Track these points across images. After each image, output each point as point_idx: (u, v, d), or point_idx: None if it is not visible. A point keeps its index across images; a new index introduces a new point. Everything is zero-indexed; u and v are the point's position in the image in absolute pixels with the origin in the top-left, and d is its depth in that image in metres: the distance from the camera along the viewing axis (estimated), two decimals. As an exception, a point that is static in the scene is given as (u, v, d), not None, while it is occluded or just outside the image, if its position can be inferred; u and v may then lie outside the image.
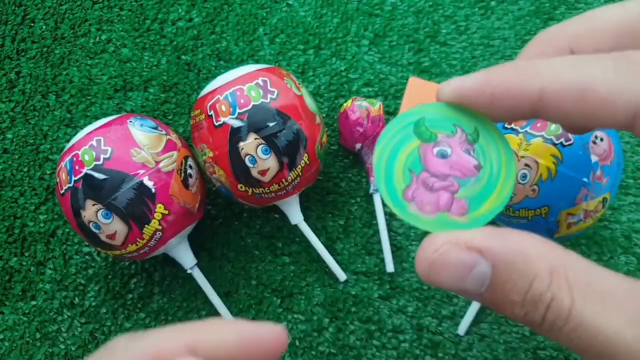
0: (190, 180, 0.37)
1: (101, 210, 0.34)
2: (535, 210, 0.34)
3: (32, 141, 0.46)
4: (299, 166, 0.37)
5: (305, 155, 0.37)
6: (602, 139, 0.33)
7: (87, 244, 0.44)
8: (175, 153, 0.37)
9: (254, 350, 0.16)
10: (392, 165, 0.17)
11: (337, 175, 0.44)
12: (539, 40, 0.18)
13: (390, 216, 0.42)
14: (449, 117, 0.17)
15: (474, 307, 0.39)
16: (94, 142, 0.35)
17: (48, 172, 0.46)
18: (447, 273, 0.15)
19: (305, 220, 0.41)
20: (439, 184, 0.17)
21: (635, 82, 0.15)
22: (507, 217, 0.36)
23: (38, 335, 0.42)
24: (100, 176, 0.34)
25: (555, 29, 0.18)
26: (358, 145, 0.41)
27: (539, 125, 0.33)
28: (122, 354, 0.16)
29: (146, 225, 0.35)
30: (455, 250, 0.15)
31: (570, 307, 0.14)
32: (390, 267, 0.41)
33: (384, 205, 0.42)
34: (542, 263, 0.15)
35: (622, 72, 0.15)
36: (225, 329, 0.17)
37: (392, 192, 0.17)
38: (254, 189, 0.37)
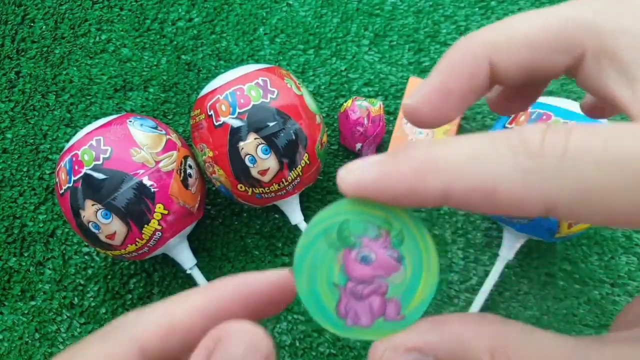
0: (190, 180, 0.37)
1: (100, 210, 0.34)
2: (536, 210, 0.33)
3: (31, 141, 0.46)
4: (299, 166, 0.37)
5: (305, 155, 0.37)
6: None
7: (86, 244, 0.44)
8: (175, 153, 0.37)
9: (264, 300, 0.17)
10: (315, 284, 0.16)
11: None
12: (457, 49, 0.18)
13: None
14: (362, 214, 0.16)
15: (475, 307, 0.39)
16: (93, 142, 0.35)
17: (47, 172, 0.45)
18: None
19: (305, 220, 0.40)
20: (368, 290, 0.16)
21: (541, 181, 0.14)
22: (508, 218, 0.36)
23: (37, 336, 0.42)
24: (100, 176, 0.34)
25: (475, 37, 0.17)
26: (358, 145, 0.41)
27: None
28: (132, 329, 0.16)
29: (146, 225, 0.35)
30: (396, 356, 0.16)
31: None
32: (390, 267, 0.41)
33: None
34: (482, 344, 0.15)
35: (527, 170, 0.14)
36: (231, 287, 0.17)
37: (325, 313, 0.16)
38: (254, 189, 0.37)
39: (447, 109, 0.17)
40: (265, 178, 0.36)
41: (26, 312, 0.43)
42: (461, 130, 0.43)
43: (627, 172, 0.13)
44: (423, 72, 0.45)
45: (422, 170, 0.15)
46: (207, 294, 0.17)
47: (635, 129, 0.14)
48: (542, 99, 0.35)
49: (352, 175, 0.16)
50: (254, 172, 0.36)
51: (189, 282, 0.42)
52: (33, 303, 0.43)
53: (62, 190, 0.35)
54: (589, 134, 0.14)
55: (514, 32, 0.17)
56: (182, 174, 0.36)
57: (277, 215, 0.43)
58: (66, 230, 0.44)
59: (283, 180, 0.37)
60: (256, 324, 0.16)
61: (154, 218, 0.35)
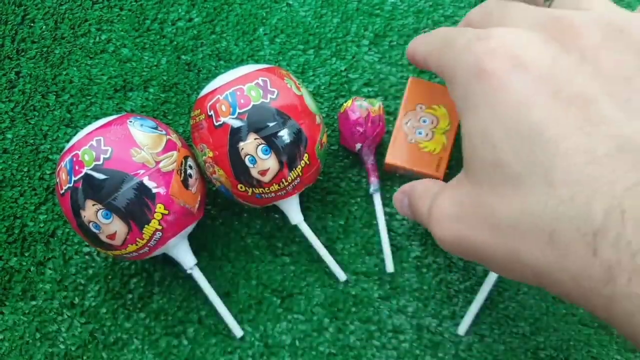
0: (190, 181, 0.37)
1: (101, 211, 0.34)
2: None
3: (32, 141, 0.46)
4: (299, 166, 0.37)
5: (305, 155, 0.37)
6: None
7: (87, 244, 0.44)
8: (175, 153, 0.37)
9: None
10: None
11: (337, 175, 0.44)
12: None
13: (390, 217, 0.42)
14: None
15: (475, 307, 0.39)
16: (93, 142, 0.35)
17: (48, 172, 0.46)
18: (396, 205, 0.33)
19: (305, 220, 0.41)
20: None
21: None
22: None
23: (38, 336, 0.42)
24: (100, 176, 0.34)
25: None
26: (358, 145, 0.41)
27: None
28: None
29: (146, 226, 0.35)
30: (397, 194, 0.33)
31: (430, 208, 0.26)
32: (390, 267, 0.41)
33: (384, 205, 0.42)
34: (424, 193, 0.28)
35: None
36: None
37: None
38: (254, 189, 0.37)
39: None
40: (265, 178, 0.36)
41: (27, 312, 0.43)
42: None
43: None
44: (423, 72, 0.45)
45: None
46: None
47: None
48: None
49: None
50: (254, 173, 0.36)
51: (189, 282, 0.42)
52: (34, 303, 0.43)
53: (63, 191, 0.35)
54: None
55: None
56: (183, 174, 0.36)
57: (277, 215, 0.43)
58: (67, 230, 0.44)
59: (283, 180, 0.37)
60: None
61: (154, 218, 0.35)
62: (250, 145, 0.35)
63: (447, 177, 0.38)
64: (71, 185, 0.35)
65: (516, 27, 0.22)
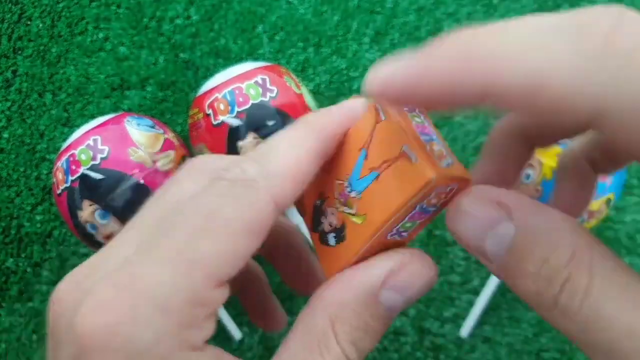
0: (189, 180, 0.37)
1: (98, 210, 0.34)
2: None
3: (28, 141, 0.46)
4: (299, 166, 0.36)
5: (305, 154, 0.36)
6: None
7: (84, 245, 0.43)
8: (172, 152, 0.36)
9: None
10: None
11: (338, 175, 0.43)
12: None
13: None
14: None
15: (477, 309, 0.39)
16: (90, 142, 0.34)
17: (45, 172, 0.45)
18: (470, 224, 0.15)
19: (305, 220, 0.40)
20: None
21: (598, 81, 0.12)
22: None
23: (35, 337, 0.42)
24: (97, 176, 0.34)
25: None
26: (359, 145, 0.41)
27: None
28: (265, 185, 0.15)
29: (143, 226, 0.35)
30: (484, 203, 0.14)
31: (587, 290, 0.13)
32: (391, 268, 0.40)
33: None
34: (567, 239, 0.13)
35: (584, 67, 0.12)
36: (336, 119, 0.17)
37: None
38: (253, 189, 0.36)
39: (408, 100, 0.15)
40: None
41: (23, 313, 0.42)
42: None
43: None
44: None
45: (462, 60, 0.13)
46: (317, 135, 0.16)
47: None
48: None
49: (380, 73, 0.14)
50: (253, 172, 0.35)
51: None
52: (30, 304, 0.43)
53: (60, 191, 0.35)
54: None
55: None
56: (180, 174, 0.36)
57: (276, 216, 0.43)
58: (63, 231, 0.44)
59: (282, 180, 0.36)
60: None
61: (151, 219, 0.35)
62: (249, 144, 0.35)
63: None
64: (68, 185, 0.34)
65: None
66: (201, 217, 0.14)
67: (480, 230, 0.14)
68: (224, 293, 0.15)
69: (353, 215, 0.16)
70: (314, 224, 0.17)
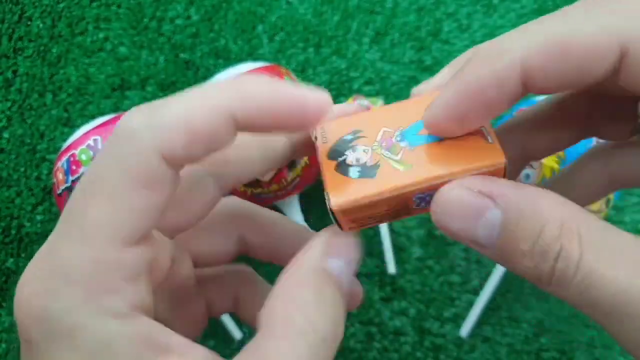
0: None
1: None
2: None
3: (28, 141, 0.46)
4: (299, 166, 0.36)
5: (305, 155, 0.36)
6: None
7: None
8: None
9: (295, 113, 0.16)
10: None
11: (338, 175, 0.43)
12: (485, 56, 0.16)
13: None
14: None
15: (477, 309, 0.39)
16: (91, 142, 0.34)
17: (45, 172, 0.45)
18: (458, 217, 0.15)
19: (306, 220, 0.40)
20: None
21: (617, 21, 0.14)
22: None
23: (35, 338, 0.42)
24: (97, 176, 0.34)
25: (502, 43, 0.16)
26: (359, 145, 0.41)
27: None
28: (149, 137, 0.15)
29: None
30: (467, 194, 0.15)
31: (580, 258, 0.14)
32: (391, 268, 0.40)
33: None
34: (553, 214, 0.14)
35: (601, 13, 0.14)
36: (264, 91, 0.16)
37: None
38: (253, 189, 0.36)
39: (471, 123, 0.16)
40: (265, 178, 0.36)
41: (24, 313, 0.42)
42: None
43: None
44: (425, 70, 0.44)
45: (492, 56, 0.15)
46: (228, 93, 0.15)
47: None
48: None
49: (432, 113, 0.16)
50: (253, 173, 0.35)
51: (188, 283, 0.42)
52: (31, 304, 0.43)
53: (60, 191, 0.35)
54: None
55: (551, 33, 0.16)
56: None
57: (276, 216, 0.43)
58: (64, 230, 0.44)
59: (282, 180, 0.36)
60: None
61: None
62: (249, 144, 0.35)
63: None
64: (68, 185, 0.34)
65: None
66: (89, 183, 0.15)
67: (468, 223, 0.15)
68: (140, 252, 0.15)
69: (396, 161, 0.16)
70: (334, 153, 0.18)
